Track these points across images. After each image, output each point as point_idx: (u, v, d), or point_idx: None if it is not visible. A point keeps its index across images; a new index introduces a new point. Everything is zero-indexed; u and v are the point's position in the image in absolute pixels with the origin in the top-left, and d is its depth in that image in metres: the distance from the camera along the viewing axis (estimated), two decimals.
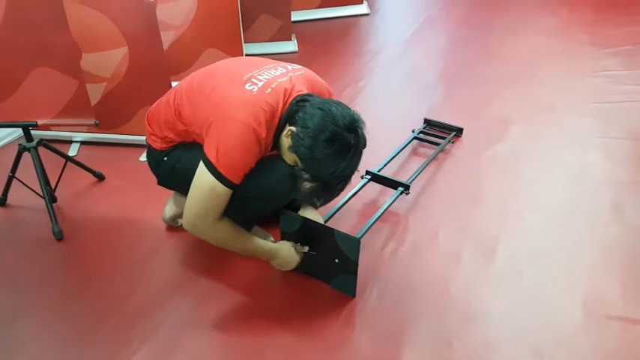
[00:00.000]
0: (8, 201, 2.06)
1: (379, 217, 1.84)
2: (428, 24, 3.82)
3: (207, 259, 1.81)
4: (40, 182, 1.92)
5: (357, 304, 1.63)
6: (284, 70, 1.57)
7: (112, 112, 2.31)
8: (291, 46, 3.34)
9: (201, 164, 1.43)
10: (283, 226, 1.69)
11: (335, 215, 1.87)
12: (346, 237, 1.55)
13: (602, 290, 1.65)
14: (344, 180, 1.49)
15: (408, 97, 2.87)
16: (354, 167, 1.48)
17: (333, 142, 1.41)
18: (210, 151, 1.42)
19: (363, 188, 2.03)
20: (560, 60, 3.16)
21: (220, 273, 1.76)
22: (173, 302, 1.66)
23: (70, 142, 2.45)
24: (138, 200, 2.11)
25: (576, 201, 2.03)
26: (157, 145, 1.66)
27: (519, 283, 1.68)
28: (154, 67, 2.15)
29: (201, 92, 1.50)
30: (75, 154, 2.38)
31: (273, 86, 1.48)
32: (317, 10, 3.82)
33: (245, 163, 1.45)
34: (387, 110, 2.74)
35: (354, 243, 1.54)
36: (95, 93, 2.24)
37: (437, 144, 2.35)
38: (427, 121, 2.50)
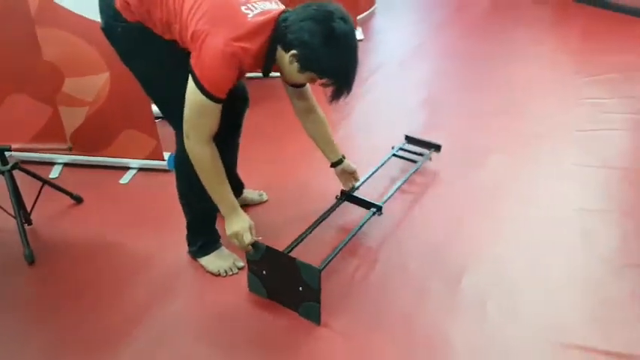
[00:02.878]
0: None
1: (347, 241, 1.83)
2: (418, 52, 3.86)
3: (180, 286, 1.82)
4: (12, 205, 1.94)
5: (322, 334, 1.62)
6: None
7: (94, 135, 2.35)
8: None
9: (191, 79, 1.44)
10: (249, 255, 1.70)
11: (308, 237, 1.85)
12: (307, 266, 1.56)
13: (564, 320, 1.64)
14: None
15: (392, 123, 2.89)
16: (356, 43, 1.51)
17: (333, 40, 1.42)
18: (196, 65, 1.42)
19: (343, 210, 2.04)
20: (546, 89, 3.19)
21: (191, 299, 1.77)
22: (139, 331, 1.66)
23: (52, 164, 2.48)
24: (115, 224, 2.12)
25: (546, 231, 2.03)
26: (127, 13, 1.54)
27: (483, 316, 1.67)
28: (136, 91, 2.19)
29: None
30: (56, 175, 2.42)
31: (261, 9, 1.47)
32: None
33: (228, 80, 1.45)
34: (369, 135, 2.76)
35: (315, 273, 1.55)
36: (78, 116, 2.28)
37: (415, 161, 2.36)
38: (407, 138, 2.52)
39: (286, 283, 1.65)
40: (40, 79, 1.78)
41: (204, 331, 1.65)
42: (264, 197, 2.22)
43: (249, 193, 2.19)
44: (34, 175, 2.05)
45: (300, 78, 1.53)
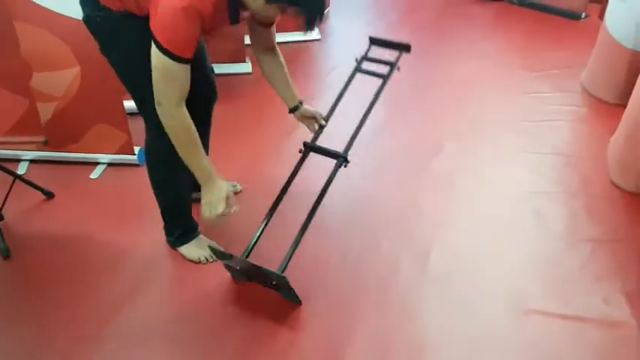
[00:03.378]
0: None
1: (312, 217, 1.78)
2: (373, 50, 4.02)
3: (158, 274, 1.86)
4: None
5: (303, 310, 1.72)
6: None
7: (63, 131, 2.34)
8: (246, 67, 3.46)
9: (153, 44, 1.41)
10: (216, 254, 1.77)
11: (279, 209, 1.85)
12: (274, 273, 1.60)
13: (524, 290, 1.82)
14: None
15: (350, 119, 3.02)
16: None
17: None
18: (155, 27, 1.40)
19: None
20: (494, 83, 3.40)
21: (171, 285, 1.82)
22: (120, 318, 1.70)
23: (18, 160, 2.44)
24: (88, 219, 2.14)
25: (502, 212, 2.21)
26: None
27: (450, 287, 1.83)
28: (106, 86, 2.21)
29: None
30: (24, 172, 2.39)
31: None
32: None
33: (190, 37, 1.42)
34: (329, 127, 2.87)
35: (282, 279, 1.60)
36: (46, 111, 2.26)
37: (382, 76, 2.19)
38: (372, 40, 2.29)
39: (260, 278, 1.74)
40: (17, 72, 1.77)
41: (185, 315, 1.71)
42: (238, 188, 2.29)
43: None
44: (5, 170, 2.03)
45: (268, 11, 1.49)
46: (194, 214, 1.95)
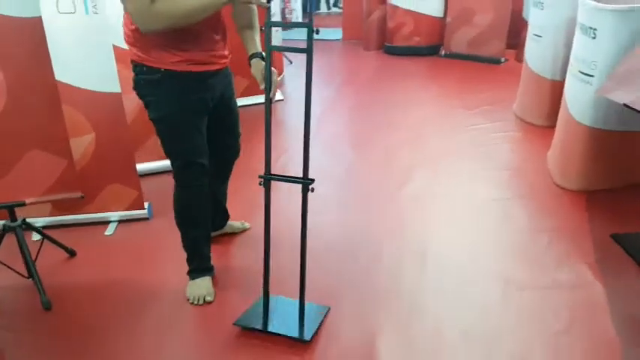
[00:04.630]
0: None
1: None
2: (331, 106, 4.50)
3: (189, 321, 2.03)
4: (25, 257, 2.08)
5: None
6: None
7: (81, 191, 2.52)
8: None
9: None
10: None
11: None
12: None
13: (507, 273, 2.19)
14: None
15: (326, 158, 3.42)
16: None
17: None
18: None
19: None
20: (441, 122, 3.95)
21: (204, 335, 1.99)
22: None
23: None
24: (114, 271, 2.30)
25: (474, 217, 2.62)
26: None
27: (424, 266, 2.18)
28: (119, 149, 2.46)
29: None
30: (37, 238, 2.52)
31: None
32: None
33: None
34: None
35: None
36: None
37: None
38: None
39: None
40: (58, 133, 2.01)
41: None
42: (247, 225, 2.56)
43: (233, 223, 2.50)
44: (37, 230, 2.20)
45: None
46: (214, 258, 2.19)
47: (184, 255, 2.13)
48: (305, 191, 1.83)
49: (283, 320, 1.91)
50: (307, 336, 1.83)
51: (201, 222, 2.10)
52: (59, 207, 2.55)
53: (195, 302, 2.07)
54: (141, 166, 2.83)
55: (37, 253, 2.20)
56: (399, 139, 3.64)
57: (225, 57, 1.94)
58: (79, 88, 2.35)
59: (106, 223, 2.64)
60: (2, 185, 2.02)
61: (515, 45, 5.29)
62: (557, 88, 3.44)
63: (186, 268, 2.14)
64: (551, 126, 3.48)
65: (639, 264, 2.16)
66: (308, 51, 1.69)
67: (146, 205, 2.66)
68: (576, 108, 2.71)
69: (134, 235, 2.58)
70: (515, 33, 5.22)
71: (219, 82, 1.95)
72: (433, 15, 5.88)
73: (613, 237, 2.35)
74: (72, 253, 2.38)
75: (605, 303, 1.97)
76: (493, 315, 1.96)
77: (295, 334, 1.85)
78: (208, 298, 2.08)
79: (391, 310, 1.99)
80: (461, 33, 5.61)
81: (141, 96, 1.89)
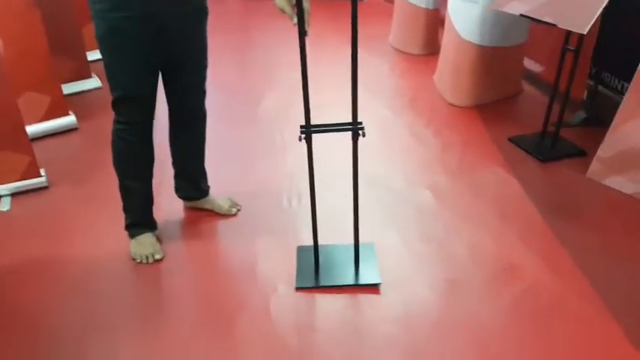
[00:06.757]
0: None
1: None
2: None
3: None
4: None
5: None
6: None
7: None
8: (95, 82, 3.36)
9: None
10: None
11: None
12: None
13: (431, 180, 2.38)
14: None
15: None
16: None
17: None
18: None
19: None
20: (322, 58, 3.98)
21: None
22: None
23: None
24: (20, 251, 1.98)
25: (388, 142, 2.77)
26: None
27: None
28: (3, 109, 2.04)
29: None
30: None
31: None
32: None
33: None
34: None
35: None
36: None
37: None
38: None
39: None
40: None
41: None
42: (233, 210, 2.17)
43: (218, 198, 2.18)
44: None
45: None
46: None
47: (97, 220, 1.95)
48: (356, 138, 1.67)
49: (339, 270, 1.87)
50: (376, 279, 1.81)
51: (138, 175, 1.88)
52: None
53: (145, 261, 1.90)
54: (31, 129, 2.39)
55: None
56: (293, 79, 3.61)
57: None
58: None
59: None
60: None
61: None
62: (431, 17, 3.71)
63: (103, 230, 1.96)
64: (429, 54, 3.78)
65: (538, 159, 2.52)
66: None
67: (42, 172, 2.27)
68: (463, 28, 2.94)
69: (34, 207, 2.21)
70: None
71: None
72: None
73: (511, 140, 2.68)
74: None
75: (525, 192, 2.28)
76: (437, 216, 2.14)
77: (368, 280, 1.82)
78: (157, 256, 1.91)
79: None
80: None
81: None
